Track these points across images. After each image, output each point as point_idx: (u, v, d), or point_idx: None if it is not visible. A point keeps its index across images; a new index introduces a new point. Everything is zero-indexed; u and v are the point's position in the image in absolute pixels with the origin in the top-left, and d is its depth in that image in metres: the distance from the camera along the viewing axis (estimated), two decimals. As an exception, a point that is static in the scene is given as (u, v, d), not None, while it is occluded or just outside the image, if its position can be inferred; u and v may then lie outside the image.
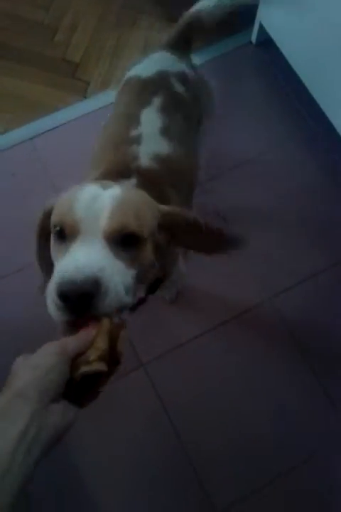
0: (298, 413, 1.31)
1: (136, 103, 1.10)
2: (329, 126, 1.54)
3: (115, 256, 0.68)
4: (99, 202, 0.70)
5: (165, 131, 1.06)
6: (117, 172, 0.94)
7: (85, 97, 1.69)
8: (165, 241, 0.79)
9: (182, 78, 1.18)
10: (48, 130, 1.64)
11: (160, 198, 0.85)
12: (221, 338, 1.38)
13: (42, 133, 1.64)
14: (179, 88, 1.15)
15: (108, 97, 1.64)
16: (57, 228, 0.70)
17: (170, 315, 1.42)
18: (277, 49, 1.65)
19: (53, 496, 1.24)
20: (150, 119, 1.07)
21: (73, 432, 0.60)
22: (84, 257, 0.65)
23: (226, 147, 1.62)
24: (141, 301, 0.89)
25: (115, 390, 1.30)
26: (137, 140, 1.02)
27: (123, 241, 0.69)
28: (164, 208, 0.79)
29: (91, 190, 0.72)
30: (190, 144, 1.14)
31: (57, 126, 1.64)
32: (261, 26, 1.68)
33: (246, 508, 1.22)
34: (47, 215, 0.76)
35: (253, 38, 1.76)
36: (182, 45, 1.25)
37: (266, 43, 1.71)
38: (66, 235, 0.69)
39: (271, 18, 1.64)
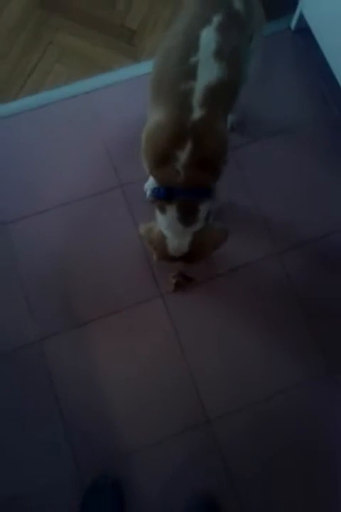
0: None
1: (198, 20, 1.22)
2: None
3: None
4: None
5: (219, 54, 1.20)
6: (173, 135, 1.20)
7: (138, 61, 1.91)
8: None
9: None
10: (103, 87, 1.85)
11: (212, 135, 1.21)
12: (230, 284, 1.63)
13: (98, 89, 1.85)
14: (238, 6, 1.26)
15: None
16: None
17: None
18: (313, 38, 1.82)
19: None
20: (208, 42, 1.20)
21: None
22: None
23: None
24: None
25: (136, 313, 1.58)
26: (193, 72, 1.18)
27: None
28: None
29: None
30: (240, 60, 1.28)
31: (111, 84, 1.85)
32: (301, 14, 1.85)
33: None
34: None
35: (293, 24, 1.92)
36: None
37: (304, 31, 1.87)
38: None
39: (312, 8, 1.80)
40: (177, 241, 1.32)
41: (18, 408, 1.48)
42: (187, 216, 1.29)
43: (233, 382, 1.53)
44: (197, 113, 1.19)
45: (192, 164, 1.21)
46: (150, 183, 1.58)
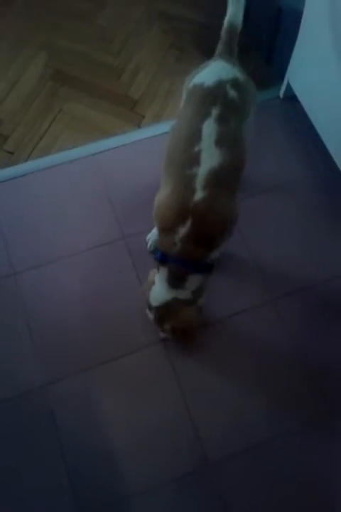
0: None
1: (199, 115, 1.39)
2: (338, 174, 1.87)
3: None
4: None
5: (220, 141, 1.36)
6: (177, 211, 1.36)
7: (139, 127, 2.09)
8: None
9: (235, 84, 1.45)
10: (107, 150, 2.02)
11: (211, 214, 1.35)
12: (228, 330, 1.70)
13: (102, 151, 2.01)
14: (233, 94, 1.43)
15: (158, 129, 2.04)
16: None
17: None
18: (300, 105, 2.00)
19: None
20: (209, 133, 1.36)
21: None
22: None
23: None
24: None
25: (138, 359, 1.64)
26: (197, 159, 1.34)
27: None
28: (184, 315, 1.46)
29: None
30: (240, 142, 1.43)
31: (114, 147, 2.02)
32: (288, 84, 2.04)
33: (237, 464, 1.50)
34: None
35: (281, 93, 2.11)
36: (229, 53, 1.54)
37: (292, 98, 2.05)
38: None
39: (297, 78, 1.99)
40: (159, 293, 1.48)
41: (21, 449, 1.51)
42: (174, 280, 1.44)
43: (232, 427, 1.55)
44: (199, 194, 1.34)
45: (188, 239, 1.36)
46: (152, 235, 1.70)
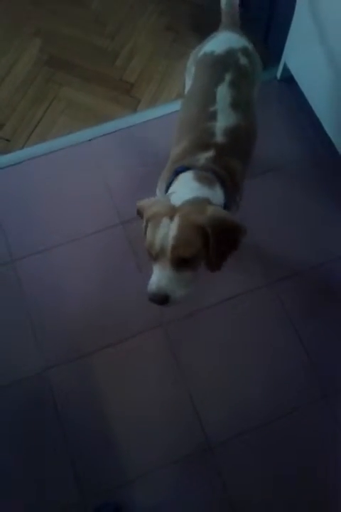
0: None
1: (213, 80, 1.39)
2: (335, 155, 1.87)
3: (177, 271, 1.15)
4: (166, 241, 1.12)
5: (234, 104, 1.36)
6: (198, 146, 1.30)
7: (136, 111, 2.08)
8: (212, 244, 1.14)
9: (245, 52, 1.48)
10: (104, 135, 2.01)
11: (228, 168, 1.28)
12: (227, 312, 1.71)
13: (99, 136, 2.00)
14: (244, 61, 1.45)
15: (154, 112, 2.03)
16: (148, 250, 1.19)
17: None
18: (297, 85, 1.99)
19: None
20: (224, 96, 1.36)
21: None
22: (160, 280, 1.15)
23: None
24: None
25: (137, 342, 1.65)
26: (214, 116, 1.34)
27: (181, 261, 1.14)
28: (214, 211, 1.15)
29: (161, 231, 1.13)
30: (251, 108, 1.44)
31: (111, 132, 2.01)
32: (285, 65, 2.02)
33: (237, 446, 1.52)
34: (140, 210, 1.24)
35: (278, 74, 2.10)
36: (234, 24, 1.57)
37: (288, 79, 2.05)
38: (151, 254, 1.17)
39: (294, 59, 1.98)
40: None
41: (23, 435, 1.53)
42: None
43: (233, 409, 1.57)
44: (219, 138, 1.31)
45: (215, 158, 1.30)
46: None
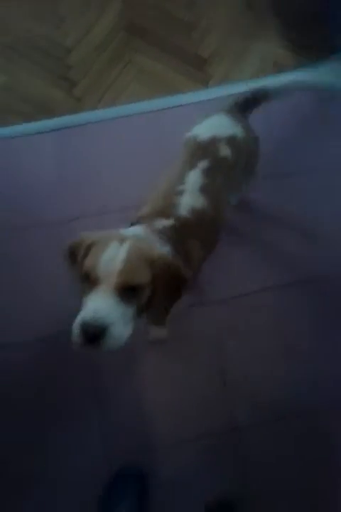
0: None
1: (187, 164, 1.35)
2: None
3: (120, 301, 1.00)
4: (112, 264, 1.00)
5: (204, 190, 1.32)
6: (161, 213, 1.26)
7: (207, 87, 2.08)
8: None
9: (231, 142, 1.40)
10: (172, 107, 2.02)
11: (184, 245, 1.21)
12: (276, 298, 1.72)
13: (167, 108, 2.02)
14: (225, 152, 1.38)
15: (225, 90, 2.02)
16: (86, 273, 1.02)
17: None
18: None
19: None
20: (193, 180, 1.32)
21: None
22: (99, 307, 0.97)
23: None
24: None
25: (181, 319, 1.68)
26: (181, 194, 1.30)
27: (126, 290, 1.01)
28: (162, 253, 1.09)
29: (109, 252, 1.01)
30: (223, 200, 1.40)
31: (179, 105, 2.02)
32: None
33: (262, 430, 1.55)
34: (87, 250, 1.07)
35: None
36: (244, 109, 1.50)
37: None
38: (91, 280, 1.01)
39: None
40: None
41: (60, 386, 1.61)
42: None
43: (265, 396, 1.60)
44: (182, 212, 1.27)
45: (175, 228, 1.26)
46: None
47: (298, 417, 1.58)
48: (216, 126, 1.44)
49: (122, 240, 1.04)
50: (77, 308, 1.01)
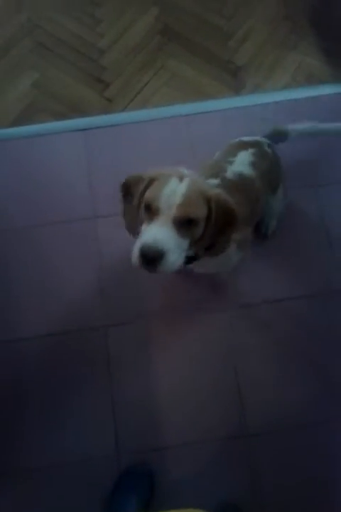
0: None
1: (237, 149, 1.48)
2: None
3: (177, 232, 1.08)
4: (173, 197, 1.08)
5: (253, 165, 1.43)
6: (210, 175, 1.35)
7: (238, 95, 2.05)
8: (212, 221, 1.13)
9: (270, 146, 1.56)
10: (201, 112, 2.00)
11: (227, 202, 1.22)
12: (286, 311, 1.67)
13: (196, 114, 2.00)
14: (268, 150, 1.53)
15: (256, 99, 2.00)
16: (148, 204, 1.10)
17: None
18: None
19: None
20: (244, 157, 1.44)
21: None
22: (160, 235, 1.06)
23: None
24: (193, 259, 1.24)
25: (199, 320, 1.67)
26: (230, 163, 1.42)
27: (184, 222, 1.08)
28: (220, 192, 1.15)
29: (170, 186, 1.09)
30: (265, 183, 1.47)
31: (209, 111, 2.00)
32: None
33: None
34: (148, 183, 1.14)
35: None
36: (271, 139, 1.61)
37: None
38: (151, 210, 1.09)
39: None
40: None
41: (74, 381, 1.61)
42: None
43: (276, 405, 1.57)
44: (229, 174, 1.38)
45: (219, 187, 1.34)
46: None
47: (308, 426, 1.55)
48: (256, 138, 1.57)
49: (182, 177, 1.11)
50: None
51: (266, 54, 2.14)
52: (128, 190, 1.22)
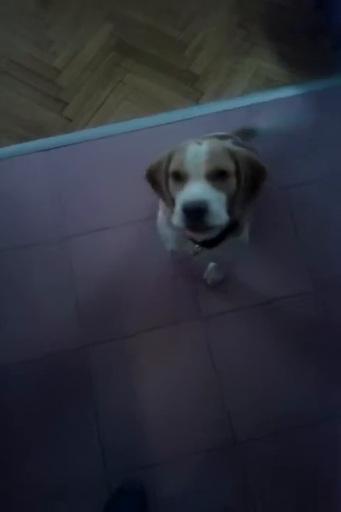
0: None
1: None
2: None
3: (213, 187, 1.05)
4: (199, 157, 1.06)
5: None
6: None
7: (198, 104, 2.06)
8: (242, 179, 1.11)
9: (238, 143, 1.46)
10: (164, 124, 2.01)
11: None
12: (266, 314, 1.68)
13: (159, 125, 2.01)
14: (242, 143, 1.47)
15: (217, 106, 2.01)
16: (176, 172, 1.09)
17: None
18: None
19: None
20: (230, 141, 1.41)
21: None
22: (197, 189, 1.04)
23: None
24: (215, 242, 1.22)
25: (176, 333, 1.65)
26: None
27: (216, 176, 1.06)
28: (244, 149, 1.15)
29: (192, 148, 1.08)
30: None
31: (172, 122, 2.01)
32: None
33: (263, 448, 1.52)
34: (168, 159, 1.14)
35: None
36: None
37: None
38: (181, 178, 1.08)
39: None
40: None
41: (57, 405, 1.58)
42: None
43: (262, 411, 1.57)
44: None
45: None
46: None
47: (298, 430, 1.55)
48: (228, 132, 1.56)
49: (199, 143, 1.10)
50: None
51: (222, 61, 2.16)
52: (153, 178, 1.21)
